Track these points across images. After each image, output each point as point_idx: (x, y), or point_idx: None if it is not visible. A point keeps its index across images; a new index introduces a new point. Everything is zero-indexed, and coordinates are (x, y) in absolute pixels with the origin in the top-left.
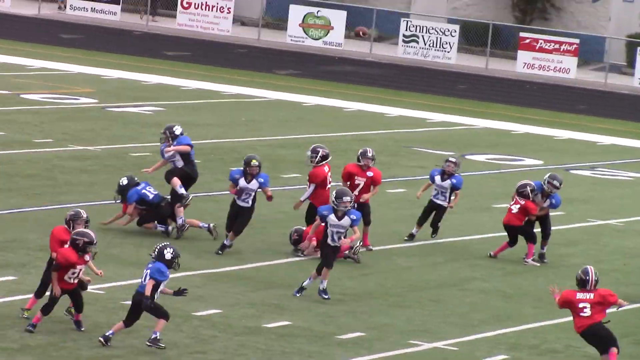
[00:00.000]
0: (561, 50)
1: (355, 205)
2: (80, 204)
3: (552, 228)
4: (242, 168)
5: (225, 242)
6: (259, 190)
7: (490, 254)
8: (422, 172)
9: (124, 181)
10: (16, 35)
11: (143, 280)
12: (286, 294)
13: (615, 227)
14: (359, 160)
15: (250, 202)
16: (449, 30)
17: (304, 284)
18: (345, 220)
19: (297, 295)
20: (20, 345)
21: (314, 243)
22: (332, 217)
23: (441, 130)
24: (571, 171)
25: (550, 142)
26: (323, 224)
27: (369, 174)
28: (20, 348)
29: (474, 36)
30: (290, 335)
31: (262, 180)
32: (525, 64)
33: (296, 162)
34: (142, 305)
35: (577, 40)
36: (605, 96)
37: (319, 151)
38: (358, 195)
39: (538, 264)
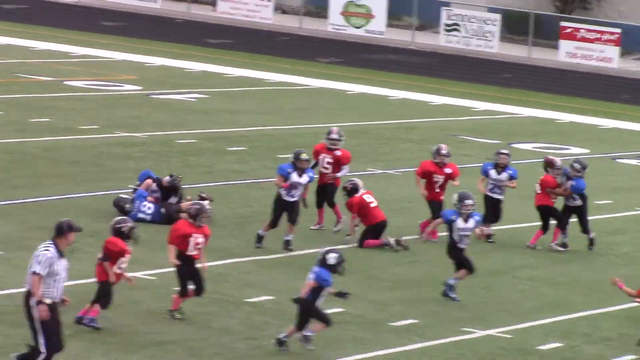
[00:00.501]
0: (603, 39)
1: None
2: (126, 190)
3: (599, 217)
4: (291, 162)
5: (264, 235)
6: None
7: (528, 245)
8: (468, 161)
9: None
10: (57, 23)
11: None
12: (338, 281)
13: None
14: (434, 158)
15: (296, 196)
16: (490, 20)
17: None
18: (471, 223)
19: (452, 297)
20: (73, 330)
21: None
22: (459, 222)
23: (486, 119)
24: (617, 160)
25: (595, 131)
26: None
27: (447, 170)
28: (74, 333)
29: (515, 25)
30: (343, 322)
31: (311, 174)
32: (567, 53)
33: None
34: (303, 306)
35: (618, 30)
36: None
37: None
38: (439, 191)
39: (562, 249)
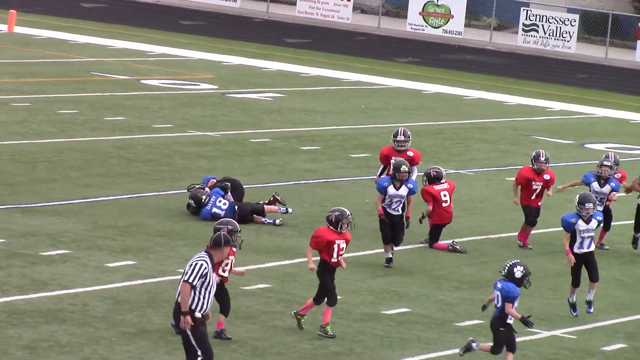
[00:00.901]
0: None
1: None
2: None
3: None
4: (389, 175)
5: (388, 255)
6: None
7: (596, 245)
8: None
9: (192, 202)
10: (136, 21)
11: (496, 302)
12: (404, 281)
13: None
14: (532, 164)
15: (400, 210)
16: (568, 20)
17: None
18: (593, 224)
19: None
20: (138, 329)
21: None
22: (580, 223)
23: (561, 119)
24: None
25: None
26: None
27: (546, 177)
28: (139, 332)
29: (593, 26)
30: (409, 322)
31: (411, 186)
32: None
33: (416, 149)
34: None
35: None
36: None
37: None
38: (536, 199)
39: (608, 248)
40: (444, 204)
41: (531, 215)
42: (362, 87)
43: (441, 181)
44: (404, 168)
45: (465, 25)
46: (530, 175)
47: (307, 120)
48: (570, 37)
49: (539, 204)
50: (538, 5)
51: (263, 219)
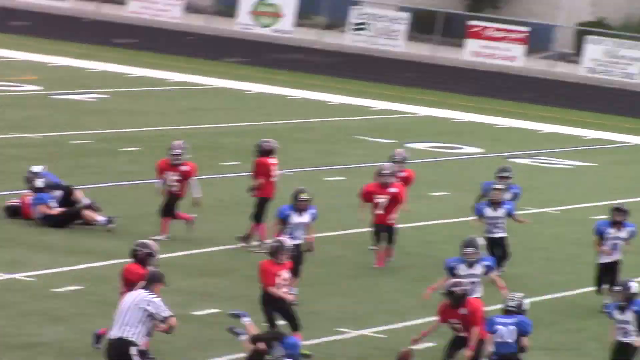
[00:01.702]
0: (510, 38)
1: None
2: (20, 191)
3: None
4: (291, 203)
5: None
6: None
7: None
8: (365, 160)
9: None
10: None
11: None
12: (215, 282)
13: (552, 215)
14: (375, 178)
15: (301, 237)
16: (398, 18)
17: None
18: (478, 269)
19: None
20: None
21: None
22: (461, 267)
23: (383, 118)
24: (511, 159)
25: (492, 131)
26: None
27: (391, 190)
28: None
29: (424, 24)
30: (219, 323)
31: (313, 212)
32: (472, 52)
33: (236, 150)
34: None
35: (526, 29)
36: (552, 84)
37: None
38: (384, 214)
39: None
40: (272, 179)
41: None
42: (187, 87)
43: (273, 155)
44: (304, 196)
45: (295, 25)
46: (373, 189)
47: (130, 121)
48: (399, 36)
49: (390, 221)
50: (368, 3)
51: (98, 218)
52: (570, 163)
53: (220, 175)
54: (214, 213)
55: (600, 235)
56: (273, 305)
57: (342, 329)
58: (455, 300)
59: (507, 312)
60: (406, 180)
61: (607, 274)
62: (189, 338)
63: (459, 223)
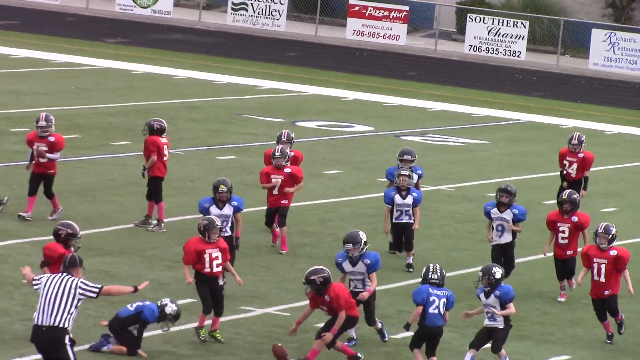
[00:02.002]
0: (391, 17)
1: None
2: None
3: (379, 194)
4: (210, 196)
5: None
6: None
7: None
8: (253, 139)
9: None
10: None
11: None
12: (116, 261)
13: (446, 193)
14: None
15: (229, 230)
16: None
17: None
18: (360, 266)
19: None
20: None
21: None
22: (345, 265)
23: (271, 97)
24: (402, 137)
25: (381, 109)
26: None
27: (286, 170)
28: None
29: (303, 4)
30: (121, 302)
31: (235, 203)
32: (354, 31)
33: (126, 129)
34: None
35: (406, 7)
36: (435, 63)
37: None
38: (278, 195)
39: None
40: (164, 158)
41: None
42: (72, 68)
43: (164, 134)
44: (222, 188)
45: (174, 5)
46: (271, 171)
47: (16, 102)
48: (280, 15)
49: (283, 202)
50: None
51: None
52: (461, 140)
53: (111, 155)
54: (106, 193)
55: (488, 217)
56: (206, 285)
57: (246, 307)
58: (317, 290)
59: (434, 284)
60: (295, 161)
61: (502, 255)
62: (92, 317)
63: (354, 201)
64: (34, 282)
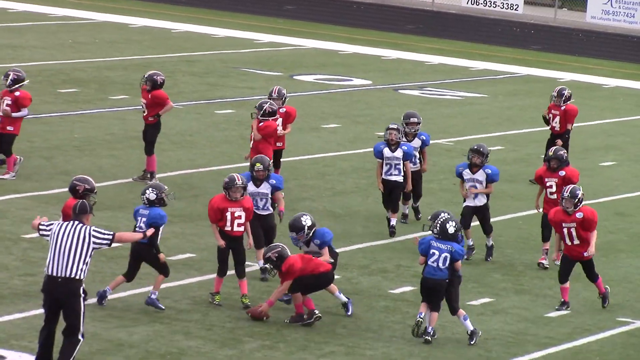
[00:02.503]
0: None
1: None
2: None
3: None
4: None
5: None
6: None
7: None
8: (251, 93)
9: None
10: None
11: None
12: (115, 216)
13: (445, 147)
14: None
15: (270, 208)
16: None
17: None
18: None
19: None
20: None
21: None
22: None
23: (269, 51)
24: (400, 91)
25: (379, 62)
26: None
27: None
28: None
29: None
30: (119, 257)
31: (274, 182)
32: None
33: (124, 83)
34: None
35: None
36: (433, 16)
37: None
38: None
39: None
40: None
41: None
42: (69, 22)
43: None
44: (259, 166)
45: None
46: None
47: (14, 55)
48: None
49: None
50: None
51: None
52: (459, 94)
53: (110, 110)
54: (105, 147)
55: (460, 178)
56: (227, 244)
57: (246, 263)
58: (276, 266)
59: (436, 237)
60: (287, 117)
61: (475, 217)
62: (93, 273)
63: (353, 155)
64: (40, 228)
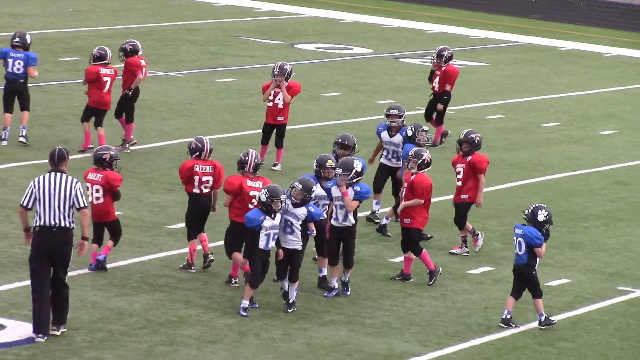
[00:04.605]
0: None
1: None
2: None
3: (381, 116)
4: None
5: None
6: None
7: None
8: (251, 62)
9: None
10: None
11: (518, 248)
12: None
13: (445, 115)
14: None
15: (351, 219)
16: None
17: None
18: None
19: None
20: None
21: None
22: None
23: (269, 20)
24: (400, 60)
25: (379, 31)
26: None
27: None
28: None
29: None
30: (122, 226)
31: (358, 188)
32: None
33: None
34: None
35: None
36: None
37: None
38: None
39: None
40: (104, 89)
41: None
42: None
43: (105, 62)
44: (330, 163)
45: None
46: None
47: (15, 24)
48: None
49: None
50: None
51: None
52: (460, 63)
53: None
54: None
55: (379, 137)
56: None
57: None
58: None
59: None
60: (289, 91)
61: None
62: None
63: (353, 123)
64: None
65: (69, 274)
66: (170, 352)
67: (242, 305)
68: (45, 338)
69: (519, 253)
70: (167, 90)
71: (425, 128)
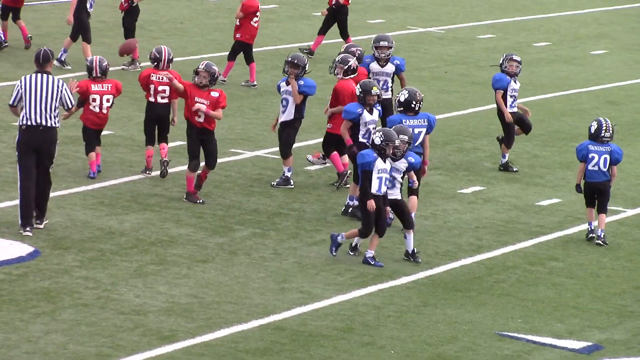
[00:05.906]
0: None
1: None
2: None
3: (371, 35)
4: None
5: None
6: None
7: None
8: None
9: None
10: None
11: (602, 166)
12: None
13: (436, 35)
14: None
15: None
16: None
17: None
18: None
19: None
20: None
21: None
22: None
23: None
24: None
25: None
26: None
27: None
28: None
29: None
30: (112, 145)
31: (380, 109)
32: None
33: None
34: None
35: None
36: None
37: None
38: None
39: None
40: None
41: None
42: None
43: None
44: (376, 90)
45: None
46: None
47: None
48: None
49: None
50: None
51: None
52: None
53: None
54: (96, 35)
55: (367, 69)
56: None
57: (236, 150)
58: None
59: (600, 140)
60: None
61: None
62: (81, 160)
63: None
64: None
65: (60, 192)
66: (160, 271)
67: (367, 256)
68: (30, 230)
69: (604, 170)
70: (158, 9)
71: (516, 57)
